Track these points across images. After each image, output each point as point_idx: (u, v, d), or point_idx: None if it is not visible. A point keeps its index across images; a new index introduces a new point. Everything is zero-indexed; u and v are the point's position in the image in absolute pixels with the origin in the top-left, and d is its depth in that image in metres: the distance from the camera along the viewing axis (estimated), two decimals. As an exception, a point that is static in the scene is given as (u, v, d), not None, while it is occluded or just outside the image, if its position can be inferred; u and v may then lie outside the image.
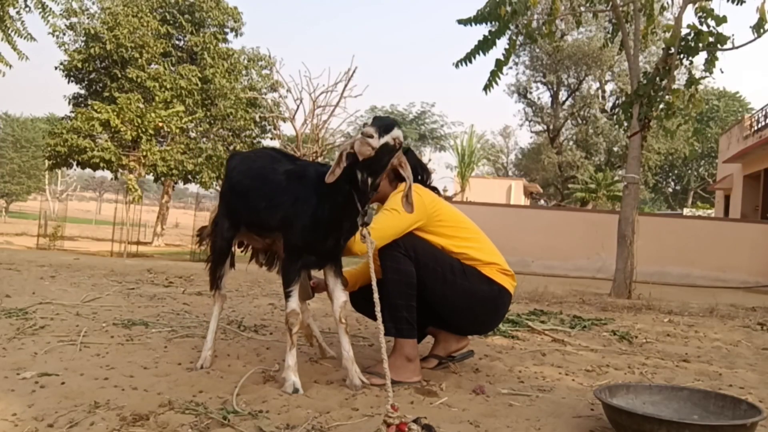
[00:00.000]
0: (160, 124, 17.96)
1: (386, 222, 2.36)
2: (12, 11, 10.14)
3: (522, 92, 33.04)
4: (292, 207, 2.26)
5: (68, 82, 21.64)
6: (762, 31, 6.53)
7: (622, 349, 3.42)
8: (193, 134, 22.13)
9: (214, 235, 2.68)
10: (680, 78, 9.63)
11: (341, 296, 2.33)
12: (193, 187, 24.18)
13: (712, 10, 6.81)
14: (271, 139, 23.92)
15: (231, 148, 22.10)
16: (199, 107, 21.21)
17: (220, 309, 2.64)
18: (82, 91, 22.12)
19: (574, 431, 1.98)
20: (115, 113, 17.15)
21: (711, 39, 6.81)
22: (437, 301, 2.46)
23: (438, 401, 2.20)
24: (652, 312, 5.36)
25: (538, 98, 34.00)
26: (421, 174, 2.62)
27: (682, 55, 7.07)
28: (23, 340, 2.77)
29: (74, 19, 21.03)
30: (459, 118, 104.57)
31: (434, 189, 2.63)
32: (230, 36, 23.63)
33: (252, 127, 22.68)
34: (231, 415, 1.90)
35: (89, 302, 3.90)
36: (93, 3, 21.27)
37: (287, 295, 2.25)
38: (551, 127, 32.99)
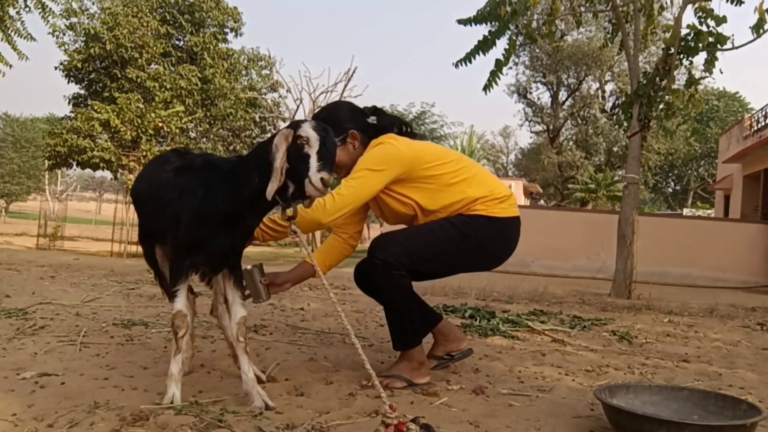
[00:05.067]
0: (160, 125, 17.94)
1: (350, 189, 2.28)
2: (12, 11, 10.11)
3: (522, 92, 33.04)
4: (178, 201, 2.08)
5: (68, 82, 21.63)
6: (761, 31, 6.54)
7: (622, 349, 3.42)
8: (193, 134, 22.10)
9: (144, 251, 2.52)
10: (680, 78, 9.63)
11: (240, 311, 2.12)
12: (193, 187, 24.09)
13: (712, 10, 6.82)
14: (271, 139, 23.91)
15: (231, 148, 22.08)
16: (199, 107, 21.19)
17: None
18: (82, 91, 22.10)
19: (574, 431, 1.98)
20: (115, 113, 17.13)
21: (711, 39, 6.82)
22: (453, 272, 2.53)
23: (438, 401, 2.20)
24: (652, 312, 5.36)
25: (538, 98, 34.02)
26: (400, 126, 2.54)
27: (682, 55, 7.08)
28: (23, 340, 2.77)
29: (74, 19, 21.02)
30: (459, 118, 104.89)
31: (413, 135, 2.56)
32: (230, 36, 23.60)
33: (252, 127, 22.67)
34: (231, 416, 1.90)
35: (89, 302, 3.90)
36: (93, 3, 21.27)
37: (172, 295, 2.06)
38: (551, 127, 32.98)
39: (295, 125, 1.96)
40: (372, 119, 2.54)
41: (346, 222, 2.53)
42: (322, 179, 1.90)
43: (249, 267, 2.29)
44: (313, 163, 1.90)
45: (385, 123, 2.52)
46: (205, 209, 2.02)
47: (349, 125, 2.46)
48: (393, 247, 2.35)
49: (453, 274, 2.61)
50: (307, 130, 1.92)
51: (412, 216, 2.49)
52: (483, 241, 2.45)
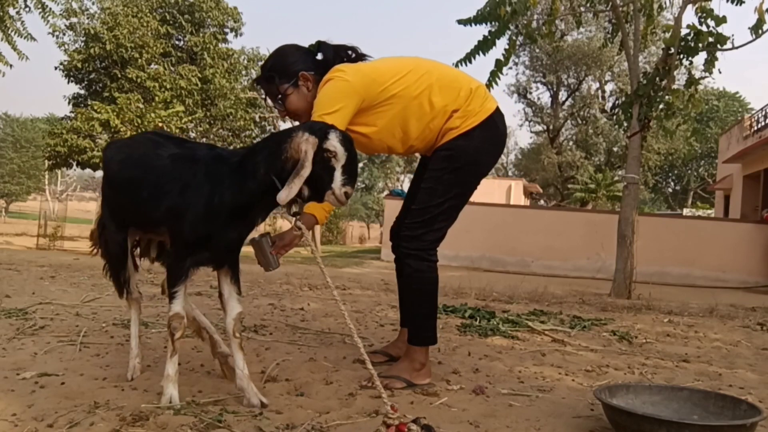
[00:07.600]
0: (160, 125, 17.93)
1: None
2: (12, 11, 10.12)
3: (522, 92, 33.04)
4: (180, 195, 2.01)
5: (68, 82, 21.62)
6: (760, 32, 6.54)
7: (622, 349, 3.42)
8: (193, 134, 22.10)
9: (103, 239, 2.41)
10: (680, 78, 9.63)
11: (236, 307, 2.10)
12: (193, 187, 24.08)
13: (712, 10, 6.82)
14: (271, 139, 23.93)
15: (231, 148, 22.08)
16: (199, 107, 21.19)
17: (138, 312, 2.41)
18: (82, 91, 22.09)
19: (574, 431, 1.98)
20: (115, 113, 17.12)
21: (711, 39, 6.82)
22: (470, 196, 2.49)
23: (438, 401, 2.20)
24: (652, 312, 5.36)
25: (538, 98, 34.02)
26: (347, 54, 2.42)
27: (682, 55, 7.08)
28: (23, 340, 2.77)
29: (74, 19, 21.00)
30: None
31: (363, 57, 2.46)
32: (230, 36, 23.58)
33: (252, 127, 22.67)
34: (230, 416, 1.90)
35: (89, 302, 3.90)
36: (93, 3, 21.27)
37: (171, 297, 2.02)
38: (551, 127, 32.98)
39: (322, 134, 1.89)
40: (319, 56, 2.43)
41: None
42: (346, 193, 1.91)
43: (257, 238, 2.19)
44: (338, 176, 1.89)
45: (332, 55, 2.40)
46: (212, 205, 1.98)
47: (298, 67, 2.37)
48: (417, 229, 2.37)
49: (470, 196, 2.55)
50: (336, 145, 1.88)
51: (385, 147, 2.45)
52: (472, 158, 2.40)
